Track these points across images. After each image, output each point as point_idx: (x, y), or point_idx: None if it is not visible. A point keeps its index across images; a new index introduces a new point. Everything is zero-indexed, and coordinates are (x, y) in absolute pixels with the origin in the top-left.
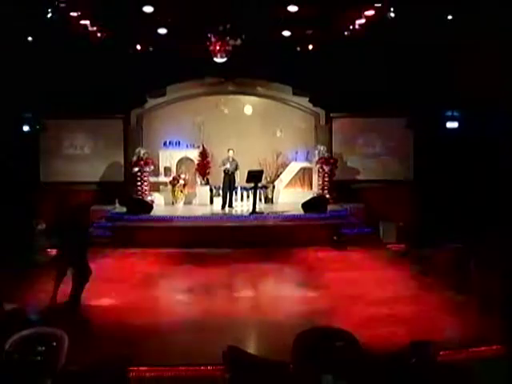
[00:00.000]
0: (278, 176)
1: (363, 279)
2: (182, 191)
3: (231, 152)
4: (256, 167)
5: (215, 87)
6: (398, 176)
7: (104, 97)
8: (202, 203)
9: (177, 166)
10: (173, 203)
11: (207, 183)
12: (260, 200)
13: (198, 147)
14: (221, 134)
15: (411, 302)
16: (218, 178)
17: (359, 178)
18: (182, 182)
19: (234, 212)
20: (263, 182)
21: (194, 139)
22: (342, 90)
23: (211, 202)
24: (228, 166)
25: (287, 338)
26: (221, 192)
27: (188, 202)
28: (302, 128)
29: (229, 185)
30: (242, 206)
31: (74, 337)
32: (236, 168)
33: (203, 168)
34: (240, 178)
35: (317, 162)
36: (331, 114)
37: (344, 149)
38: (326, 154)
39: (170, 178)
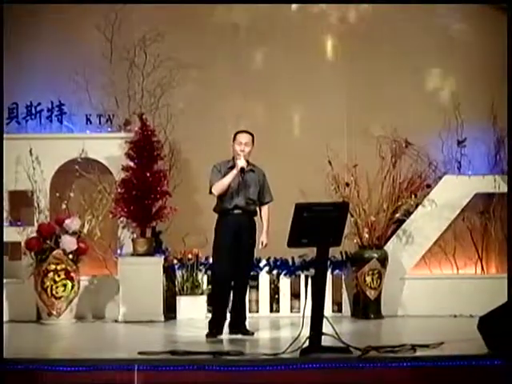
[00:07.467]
0: (399, 225)
1: None
2: (71, 276)
3: (246, 148)
4: (324, 195)
5: None
6: None
7: None
8: (140, 313)
9: (52, 186)
10: (39, 318)
11: (156, 245)
12: (337, 307)
13: (126, 125)
14: (223, 93)
15: None
16: (192, 224)
17: None
18: (70, 243)
19: (245, 347)
20: (346, 242)
21: (111, 101)
22: None
23: (169, 309)
24: (235, 189)
25: None
26: (204, 277)
27: (93, 314)
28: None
29: (235, 250)
30: (271, 323)
31: None
32: (259, 199)
33: (143, 195)
34: (275, 234)
35: None
36: None
37: None
38: None
39: (34, 230)
